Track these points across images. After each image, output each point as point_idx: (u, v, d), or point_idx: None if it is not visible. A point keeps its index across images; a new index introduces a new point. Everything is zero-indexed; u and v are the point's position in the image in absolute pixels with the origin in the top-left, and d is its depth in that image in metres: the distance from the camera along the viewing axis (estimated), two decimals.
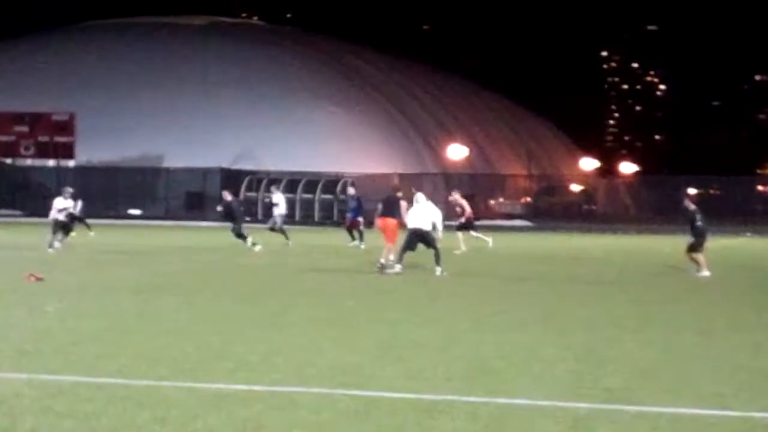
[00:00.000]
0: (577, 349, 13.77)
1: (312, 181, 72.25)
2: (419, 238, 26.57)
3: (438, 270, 25.85)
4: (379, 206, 28.87)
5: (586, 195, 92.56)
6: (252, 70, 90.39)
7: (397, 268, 26.14)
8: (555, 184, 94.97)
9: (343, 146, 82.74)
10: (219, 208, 38.66)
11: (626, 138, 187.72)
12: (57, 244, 32.77)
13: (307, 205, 71.31)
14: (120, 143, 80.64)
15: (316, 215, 70.76)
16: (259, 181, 73.06)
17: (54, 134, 77.33)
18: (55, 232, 33.18)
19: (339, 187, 70.66)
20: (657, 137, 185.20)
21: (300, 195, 71.38)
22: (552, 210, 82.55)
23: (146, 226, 59.69)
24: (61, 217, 33.29)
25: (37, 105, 78.80)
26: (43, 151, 77.94)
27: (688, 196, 35.97)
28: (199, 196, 75.48)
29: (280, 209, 41.13)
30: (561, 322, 16.74)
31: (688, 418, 9.85)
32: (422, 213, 26.70)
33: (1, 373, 11.36)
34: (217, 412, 9.64)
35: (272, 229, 40.27)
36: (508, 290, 22.66)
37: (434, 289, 22.65)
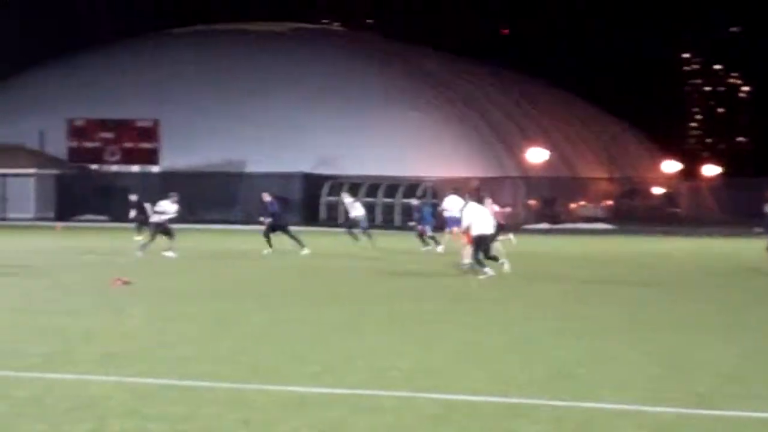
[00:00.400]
0: (661, 353, 13.66)
1: (392, 186, 72.37)
2: (489, 241, 26.79)
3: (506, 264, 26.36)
4: (461, 209, 28.70)
5: (669, 198, 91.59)
6: (333, 75, 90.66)
7: (489, 271, 26.01)
8: (637, 187, 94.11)
9: (424, 150, 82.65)
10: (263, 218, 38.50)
11: (709, 140, 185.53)
12: (160, 248, 32.90)
13: (388, 209, 71.49)
14: (203, 149, 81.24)
15: (396, 219, 70.79)
16: (341, 186, 73.28)
17: (139, 140, 78.20)
18: (153, 236, 33.31)
19: (419, 192, 70.69)
20: (740, 139, 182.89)
21: (381, 199, 71.55)
22: (634, 213, 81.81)
23: (228, 231, 60.09)
24: (160, 219, 33.48)
25: (122, 112, 79.71)
26: (127, 157, 78.82)
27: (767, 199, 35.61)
28: (282, 201, 75.87)
29: (357, 212, 41.64)
30: (644, 326, 16.61)
31: None
32: (488, 217, 26.99)
33: (89, 376, 11.53)
34: (300, 415, 9.72)
35: (363, 232, 40.95)
36: (588, 294, 22.51)
37: (512, 292, 22.56)
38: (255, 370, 12.01)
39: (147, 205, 40.33)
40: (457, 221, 35.34)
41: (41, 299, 19.42)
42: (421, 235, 40.28)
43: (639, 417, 9.84)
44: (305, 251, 34.59)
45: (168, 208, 33.66)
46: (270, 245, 35.39)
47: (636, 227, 68.25)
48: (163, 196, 35.06)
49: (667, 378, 11.87)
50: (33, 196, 77.54)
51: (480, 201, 28.17)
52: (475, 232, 26.53)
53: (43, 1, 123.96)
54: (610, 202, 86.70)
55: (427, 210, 41.70)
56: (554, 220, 74.01)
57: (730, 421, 9.76)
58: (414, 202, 43.65)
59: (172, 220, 33.73)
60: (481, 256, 26.44)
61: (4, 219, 73.67)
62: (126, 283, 22.30)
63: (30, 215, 75.52)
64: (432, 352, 13.53)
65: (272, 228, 35.96)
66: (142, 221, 43.40)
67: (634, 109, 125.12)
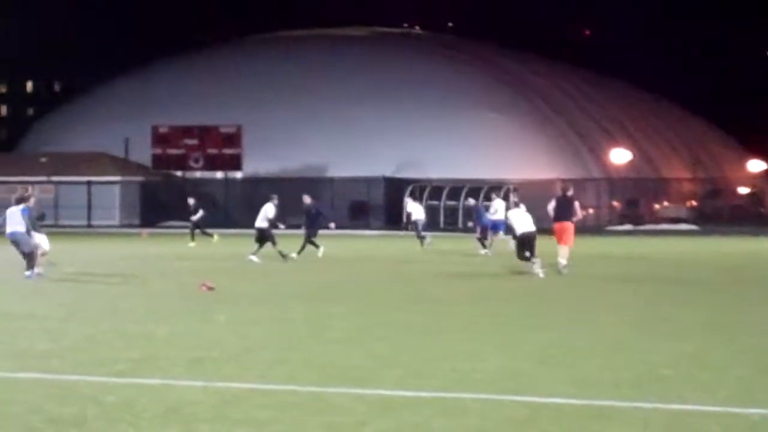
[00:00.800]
0: (747, 355, 13.54)
1: (474, 188, 72.28)
2: (532, 240, 27.39)
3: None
4: (551, 208, 28.53)
5: (755, 198, 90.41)
6: (413, 78, 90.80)
7: (541, 273, 26.24)
8: (721, 187, 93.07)
9: (505, 152, 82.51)
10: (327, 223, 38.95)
11: None
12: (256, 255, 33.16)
13: (469, 212, 71.38)
14: (284, 154, 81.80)
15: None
16: (422, 189, 73.44)
17: (222, 146, 78.92)
18: (260, 241, 33.60)
19: (501, 194, 70.55)
20: None
21: (463, 202, 71.49)
22: (718, 213, 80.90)
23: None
24: (265, 224, 33.81)
25: (205, 118, 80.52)
26: (211, 163, 79.57)
27: None
28: (363, 205, 76.13)
29: (418, 216, 41.82)
30: (728, 327, 16.46)
31: None
32: (528, 217, 27.97)
33: (176, 381, 11.68)
34: (385, 418, 9.77)
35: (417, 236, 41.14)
36: (672, 295, 22.32)
37: (594, 294, 22.44)
38: (341, 374, 12.09)
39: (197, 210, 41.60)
40: (502, 224, 35.69)
41: (128, 305, 19.68)
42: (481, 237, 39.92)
43: (727, 418, 9.77)
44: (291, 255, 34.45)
45: (273, 212, 33.89)
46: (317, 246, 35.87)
47: (720, 228, 67.51)
48: (264, 200, 35.06)
49: (754, 378, 11.76)
50: (118, 203, 78.55)
51: (516, 205, 28.90)
52: (519, 231, 27.64)
53: (126, 10, 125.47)
54: (694, 203, 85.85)
55: (484, 211, 41.40)
56: (637, 221, 73.47)
57: None
58: (471, 202, 43.67)
59: (271, 225, 33.85)
60: (527, 254, 27.02)
61: (89, 226, 74.72)
62: (211, 288, 22.51)
63: (115, 222, 76.52)
64: (515, 355, 13.52)
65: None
66: (198, 225, 44.25)
67: (718, 108, 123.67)
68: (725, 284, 25.61)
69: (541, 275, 26.18)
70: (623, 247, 47.32)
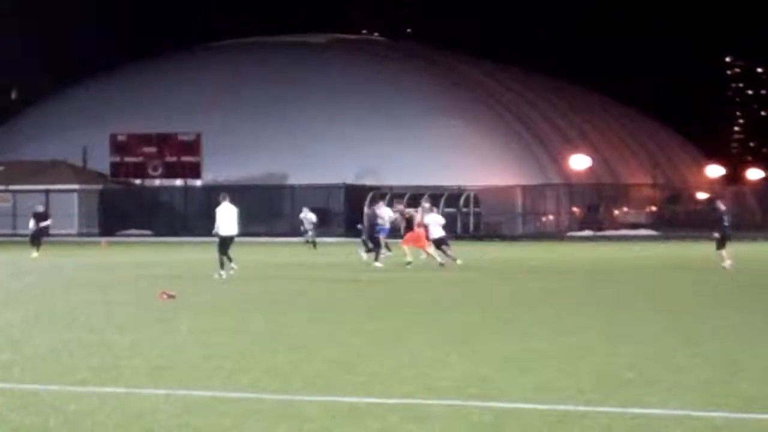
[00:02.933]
0: (710, 358, 13.60)
1: (435, 195, 72.36)
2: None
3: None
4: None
5: (713, 203, 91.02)
6: (373, 86, 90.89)
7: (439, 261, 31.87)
8: (680, 193, 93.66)
9: (465, 159, 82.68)
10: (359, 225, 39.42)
11: (752, 144, 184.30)
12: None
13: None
14: (244, 162, 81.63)
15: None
16: (383, 196, 73.36)
17: (181, 154, 78.60)
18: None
19: (462, 201, 70.77)
20: None
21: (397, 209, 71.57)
22: (678, 219, 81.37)
23: (273, 243, 60.31)
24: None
25: (166, 126, 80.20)
26: (170, 171, 79.23)
27: None
28: (324, 213, 76.06)
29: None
30: (692, 331, 16.53)
31: None
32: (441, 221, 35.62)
33: (138, 389, 11.61)
34: (351, 425, 9.74)
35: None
36: (635, 300, 22.41)
37: (555, 299, 22.51)
38: (305, 381, 12.05)
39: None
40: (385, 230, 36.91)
41: (89, 314, 19.56)
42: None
43: (690, 421, 9.80)
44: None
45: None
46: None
47: (680, 233, 67.90)
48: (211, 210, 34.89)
49: (717, 382, 11.81)
50: (76, 212, 78.10)
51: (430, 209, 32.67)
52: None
53: (84, 16, 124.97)
54: (653, 208, 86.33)
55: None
56: (598, 227, 73.77)
57: None
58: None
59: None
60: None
61: (48, 235, 74.21)
62: (171, 296, 22.43)
63: (74, 231, 76.04)
64: (480, 361, 13.52)
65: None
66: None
67: (677, 113, 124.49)
68: (688, 288, 25.75)
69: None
70: (584, 252, 47.51)
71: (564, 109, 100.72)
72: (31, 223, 44.87)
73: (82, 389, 11.65)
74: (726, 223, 33.78)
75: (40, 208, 46.72)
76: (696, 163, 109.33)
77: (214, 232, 30.52)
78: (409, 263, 33.83)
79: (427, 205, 37.04)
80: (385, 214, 38.97)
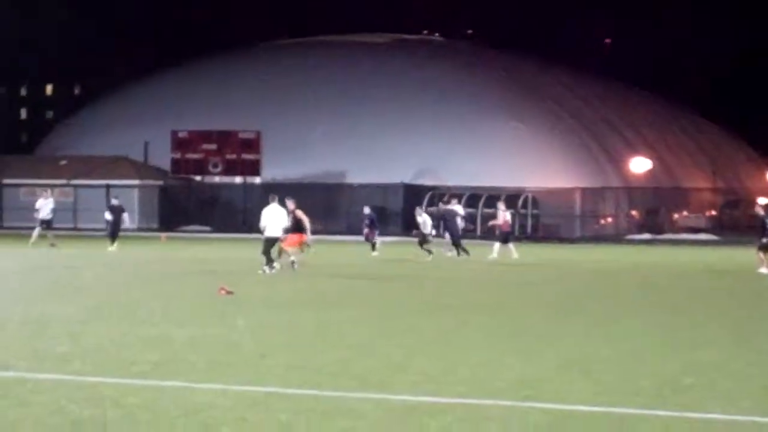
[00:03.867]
0: None
1: (493, 196, 72.19)
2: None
3: None
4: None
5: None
6: (433, 86, 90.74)
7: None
8: (741, 197, 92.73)
9: (524, 161, 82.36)
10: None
11: None
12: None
13: (489, 220, 71.32)
14: (303, 160, 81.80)
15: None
16: (441, 196, 73.30)
17: (241, 152, 78.93)
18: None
19: (520, 202, 70.60)
20: None
21: (481, 210, 71.42)
22: (738, 223, 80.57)
23: (330, 242, 60.43)
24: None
25: (225, 123, 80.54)
26: (230, 169, 79.59)
27: None
28: (382, 212, 76.14)
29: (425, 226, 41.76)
30: (750, 337, 16.39)
31: None
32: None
33: (196, 384, 11.68)
34: (405, 424, 9.74)
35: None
36: (694, 305, 22.24)
37: (618, 303, 22.38)
38: (358, 379, 12.07)
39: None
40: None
41: (148, 308, 19.70)
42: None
43: (751, 427, 9.72)
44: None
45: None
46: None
47: (740, 238, 67.24)
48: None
49: None
50: (136, 207, 78.60)
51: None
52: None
53: (147, 15, 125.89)
54: (713, 212, 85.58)
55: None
56: (657, 230, 73.24)
57: None
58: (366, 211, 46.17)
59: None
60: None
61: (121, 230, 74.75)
62: (230, 293, 22.53)
63: (133, 226, 76.58)
64: (536, 363, 13.48)
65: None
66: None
67: (738, 118, 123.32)
68: (747, 294, 25.52)
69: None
70: (643, 256, 47.20)
71: (624, 112, 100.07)
72: (108, 216, 45.20)
73: (140, 382, 11.75)
74: None
75: (116, 202, 46.97)
76: (757, 168, 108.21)
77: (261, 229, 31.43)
78: (293, 263, 32.34)
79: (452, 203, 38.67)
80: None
